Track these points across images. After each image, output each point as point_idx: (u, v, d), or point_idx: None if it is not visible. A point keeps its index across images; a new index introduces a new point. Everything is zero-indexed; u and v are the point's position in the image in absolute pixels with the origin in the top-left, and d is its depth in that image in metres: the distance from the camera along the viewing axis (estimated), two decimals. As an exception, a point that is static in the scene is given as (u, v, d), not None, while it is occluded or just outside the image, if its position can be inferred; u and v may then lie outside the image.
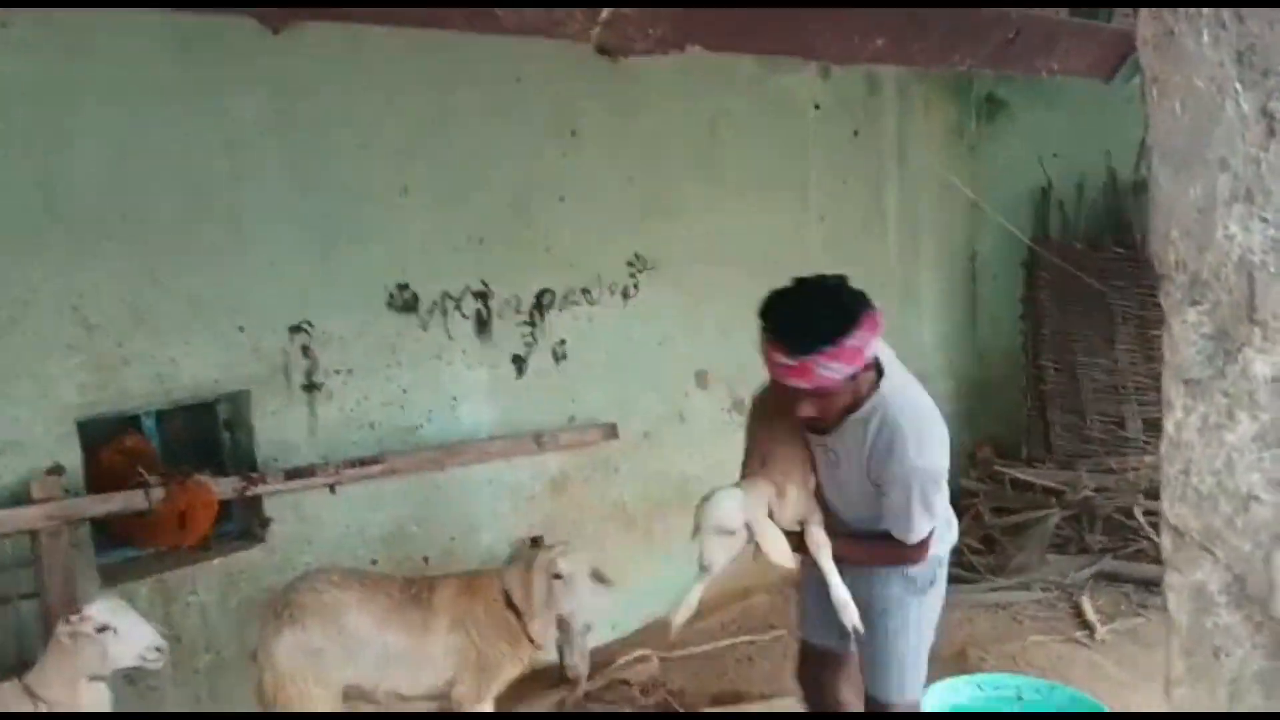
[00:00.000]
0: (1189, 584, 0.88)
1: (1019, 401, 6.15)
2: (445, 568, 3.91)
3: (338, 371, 3.71)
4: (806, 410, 2.33)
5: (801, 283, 2.33)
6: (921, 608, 2.64)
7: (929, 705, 3.35)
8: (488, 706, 3.36)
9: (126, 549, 3.46)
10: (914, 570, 2.58)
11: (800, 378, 2.23)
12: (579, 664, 4.19)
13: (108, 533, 3.36)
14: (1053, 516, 5.38)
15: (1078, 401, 5.86)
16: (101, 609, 2.61)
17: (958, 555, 5.40)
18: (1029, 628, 4.66)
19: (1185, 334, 0.85)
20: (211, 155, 3.36)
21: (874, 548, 2.54)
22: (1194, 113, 0.82)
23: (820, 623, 2.77)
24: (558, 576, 3.19)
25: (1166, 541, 0.90)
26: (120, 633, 2.61)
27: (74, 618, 2.58)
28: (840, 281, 2.34)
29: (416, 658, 3.20)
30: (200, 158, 3.34)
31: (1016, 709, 3.41)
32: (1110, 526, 5.30)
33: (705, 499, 2.50)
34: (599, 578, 3.28)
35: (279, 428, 3.60)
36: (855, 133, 5.57)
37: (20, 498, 3.01)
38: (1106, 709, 3.29)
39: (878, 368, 2.43)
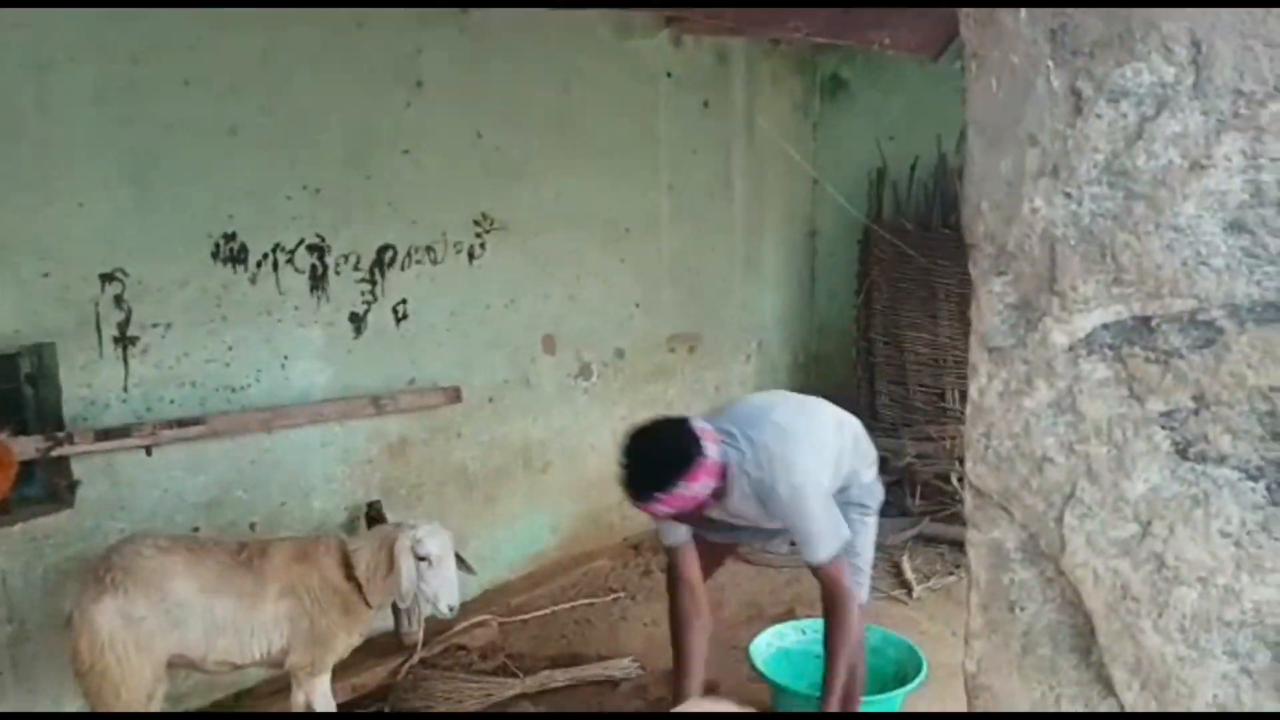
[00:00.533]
0: (987, 541, 0.93)
1: (851, 373, 6.41)
2: (275, 533, 3.75)
3: (155, 325, 3.47)
4: (682, 521, 2.82)
5: (646, 431, 2.65)
6: (868, 527, 3.13)
7: (757, 649, 3.49)
8: (325, 677, 3.26)
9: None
10: (861, 498, 3.08)
11: (647, 512, 2.66)
12: (416, 630, 4.12)
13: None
14: (878, 482, 5.66)
15: (903, 373, 6.17)
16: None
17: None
18: (852, 587, 4.89)
19: (991, 303, 0.89)
20: (13, 79, 3.06)
21: (841, 649, 2.87)
22: (1008, 88, 0.85)
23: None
24: (423, 559, 3.10)
25: (968, 500, 0.94)
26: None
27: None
28: (679, 430, 2.64)
29: (245, 626, 3.07)
30: (1, 83, 3.04)
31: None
32: (929, 491, 5.61)
33: None
34: (462, 563, 3.24)
35: (89, 383, 3.34)
36: (705, 103, 5.62)
37: None
38: (917, 647, 3.51)
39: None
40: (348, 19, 3.88)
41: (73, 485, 3.33)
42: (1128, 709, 0.86)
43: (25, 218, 3.12)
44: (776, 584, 4.98)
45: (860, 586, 3.04)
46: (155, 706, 3.10)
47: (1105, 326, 0.83)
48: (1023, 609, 0.92)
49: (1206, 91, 0.75)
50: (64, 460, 3.29)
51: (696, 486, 2.57)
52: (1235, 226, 0.76)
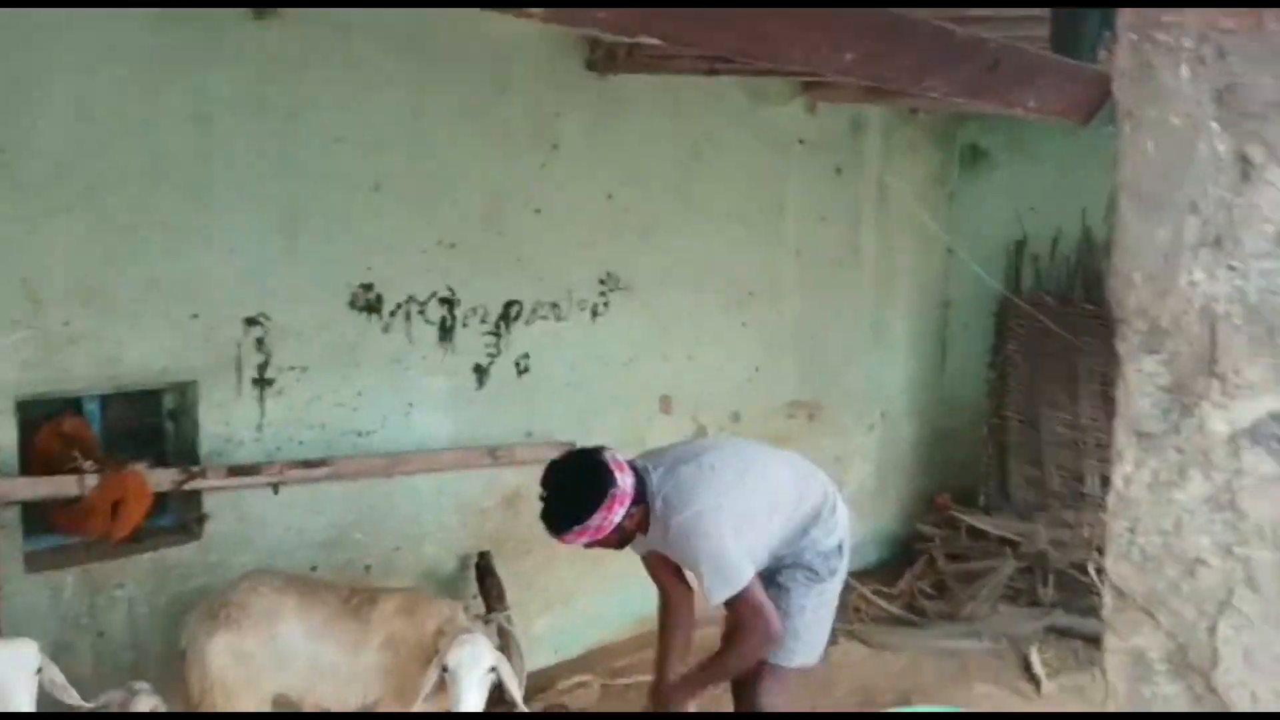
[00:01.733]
0: (1128, 649, 0.83)
1: (980, 450, 6.14)
2: (387, 577, 3.81)
3: (292, 368, 3.62)
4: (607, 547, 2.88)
5: (563, 465, 2.85)
6: (821, 595, 3.06)
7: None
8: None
9: (56, 535, 3.32)
10: (811, 562, 3.02)
11: (564, 542, 2.81)
12: (517, 693, 4.08)
13: (39, 518, 3.24)
14: (1006, 567, 5.36)
15: (1038, 454, 5.86)
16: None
17: (909, 599, 5.43)
18: (975, 676, 4.62)
19: (1140, 384, 0.80)
20: (178, 130, 3.28)
21: (729, 654, 2.99)
22: (1166, 151, 0.78)
23: None
24: (445, 669, 2.95)
25: (1108, 602, 0.85)
26: None
27: None
28: (593, 462, 2.78)
29: (347, 672, 3.10)
30: (166, 132, 3.25)
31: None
32: (1063, 581, 5.28)
33: None
34: (497, 667, 3.01)
35: (225, 421, 3.50)
36: (838, 170, 5.57)
37: (-55, 474, 2.90)
38: None
39: (644, 494, 2.84)
40: (491, 81, 4.03)
41: (202, 519, 3.47)
42: None
43: (179, 262, 3.32)
44: (892, 669, 4.75)
45: (793, 652, 3.01)
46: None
47: (1274, 416, 0.74)
48: (1168, 729, 0.82)
49: (1401, 156, 0.67)
50: (196, 494, 3.43)
51: (611, 516, 2.70)
52: None
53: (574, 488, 2.75)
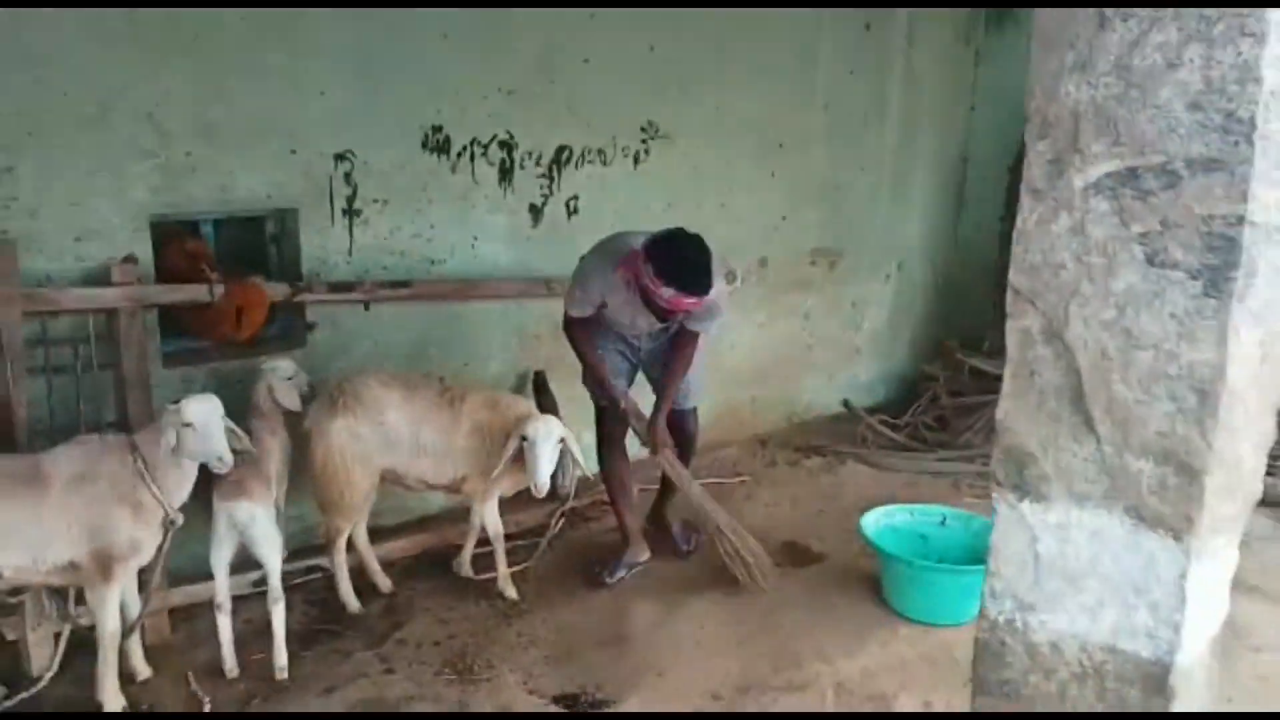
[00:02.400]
0: (1020, 327, 1.34)
1: (989, 299, 6.61)
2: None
3: (375, 201, 4.11)
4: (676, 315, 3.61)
5: (681, 241, 3.52)
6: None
7: (867, 523, 3.92)
8: (493, 504, 3.88)
9: (187, 339, 3.89)
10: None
11: (698, 304, 3.51)
12: (568, 484, 4.73)
13: (169, 323, 3.79)
14: (1003, 402, 5.91)
15: (1042, 302, 6.32)
16: (192, 409, 2.95)
17: (913, 431, 6.02)
18: (966, 492, 5.23)
19: (1036, 159, 1.28)
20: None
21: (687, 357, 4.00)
22: (1060, 11, 1.24)
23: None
24: (524, 439, 3.57)
25: (1009, 299, 1.35)
26: (198, 432, 2.97)
27: (171, 406, 2.97)
28: (691, 232, 3.57)
29: (442, 452, 3.70)
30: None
31: (940, 531, 3.99)
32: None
33: None
34: (566, 440, 3.64)
35: (321, 246, 4.02)
36: (867, 26, 5.85)
37: (100, 281, 3.43)
38: None
39: None
40: (546, -62, 4.34)
41: (309, 327, 4.03)
42: (1102, 440, 1.27)
43: (280, 103, 3.77)
44: (892, 485, 5.36)
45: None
46: (367, 509, 3.81)
47: (1108, 175, 1.21)
48: (1040, 375, 1.33)
49: (1181, 14, 1.13)
50: (301, 307, 3.98)
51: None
52: (1194, 106, 1.14)
53: (703, 251, 3.48)
